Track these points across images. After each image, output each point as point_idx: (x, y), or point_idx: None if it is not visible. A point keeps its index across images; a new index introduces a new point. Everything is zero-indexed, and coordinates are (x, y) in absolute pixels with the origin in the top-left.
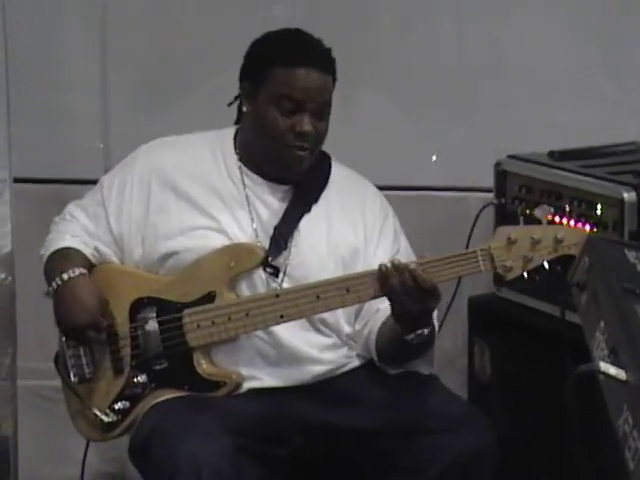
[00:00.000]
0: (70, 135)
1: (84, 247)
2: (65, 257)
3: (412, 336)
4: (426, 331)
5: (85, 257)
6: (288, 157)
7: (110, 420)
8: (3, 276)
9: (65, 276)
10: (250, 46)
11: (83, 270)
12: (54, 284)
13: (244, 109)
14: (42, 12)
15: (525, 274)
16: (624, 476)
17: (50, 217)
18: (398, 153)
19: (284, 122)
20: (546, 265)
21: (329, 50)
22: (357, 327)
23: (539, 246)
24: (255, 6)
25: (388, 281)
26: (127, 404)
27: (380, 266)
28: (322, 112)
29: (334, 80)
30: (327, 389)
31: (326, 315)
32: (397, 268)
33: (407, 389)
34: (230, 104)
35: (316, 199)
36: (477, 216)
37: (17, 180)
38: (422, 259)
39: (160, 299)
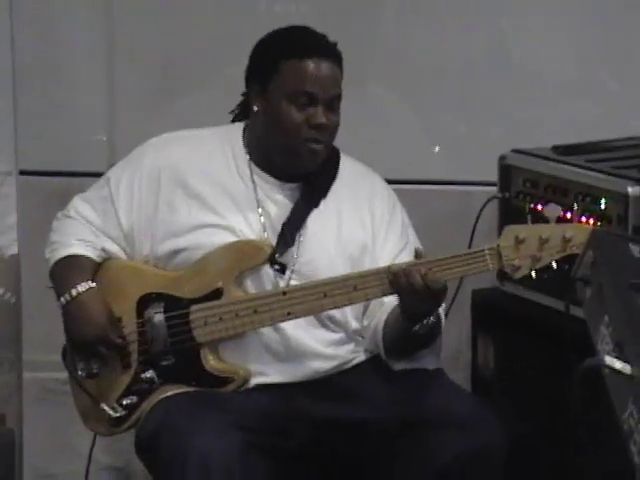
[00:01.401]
0: (75, 128)
1: (91, 251)
2: (73, 267)
3: (418, 326)
4: (432, 319)
5: (93, 263)
6: (304, 151)
7: (118, 415)
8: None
9: (74, 292)
10: (256, 45)
11: (92, 284)
12: (63, 300)
13: (255, 108)
14: (48, 7)
15: (533, 273)
16: (629, 470)
17: (55, 209)
18: (402, 147)
19: (298, 116)
20: (554, 264)
21: (335, 43)
22: (365, 323)
23: (547, 245)
24: (259, 3)
25: (398, 284)
26: (135, 399)
27: (390, 268)
28: (334, 105)
29: (342, 71)
30: (334, 384)
31: (334, 312)
32: (408, 273)
33: (414, 384)
34: (233, 112)
35: (325, 194)
36: (481, 210)
37: (22, 172)
38: (420, 257)
39: (167, 295)
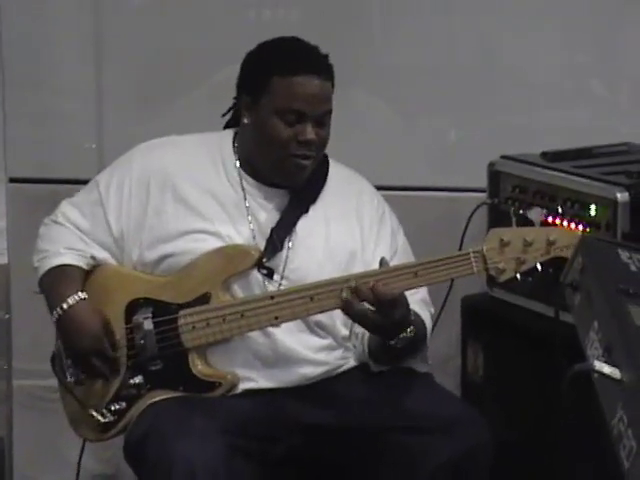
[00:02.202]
0: (64, 135)
1: (80, 259)
2: (62, 278)
3: (395, 341)
4: (410, 333)
5: (82, 272)
6: (291, 166)
7: (106, 420)
8: None
9: (65, 305)
10: (246, 57)
11: (82, 294)
12: (55, 313)
13: (245, 120)
14: (36, 14)
15: (518, 276)
16: (619, 475)
17: (44, 216)
18: (391, 153)
19: (287, 132)
20: (539, 267)
21: (327, 56)
22: (355, 329)
23: (531, 248)
24: (249, 9)
25: (352, 308)
26: (123, 405)
27: (340, 296)
28: (324, 119)
29: (333, 84)
30: (322, 390)
31: (322, 317)
32: (356, 290)
33: (403, 389)
34: (224, 115)
35: (314, 200)
36: (470, 216)
37: (12, 180)
38: (383, 266)
39: (155, 300)
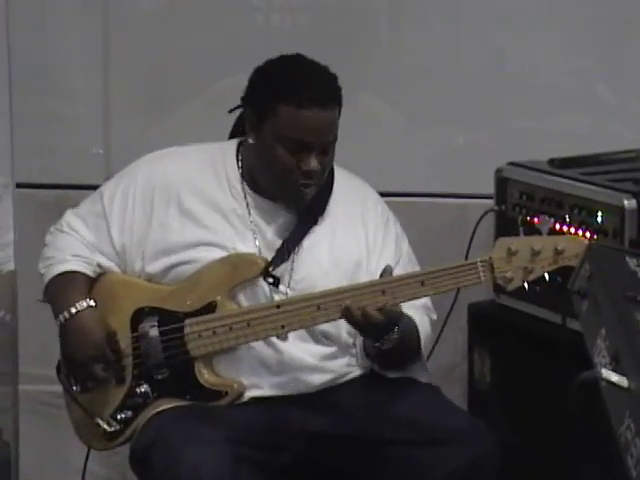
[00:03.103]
0: (71, 141)
1: (86, 267)
2: (69, 284)
3: (379, 343)
4: (394, 335)
5: (89, 279)
6: (293, 192)
7: (112, 429)
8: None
9: (73, 310)
10: (253, 74)
11: (91, 302)
12: (61, 317)
13: (249, 140)
14: (44, 20)
15: (526, 285)
16: None
17: (51, 222)
18: (398, 159)
19: (290, 160)
20: (546, 276)
21: (335, 80)
22: (360, 337)
23: (539, 257)
24: (257, 14)
25: (354, 321)
26: (129, 413)
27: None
28: (328, 147)
29: (340, 109)
30: (328, 398)
31: (328, 327)
32: (366, 314)
33: (408, 400)
34: (231, 111)
35: (322, 212)
36: (477, 223)
37: (19, 185)
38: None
39: (161, 309)
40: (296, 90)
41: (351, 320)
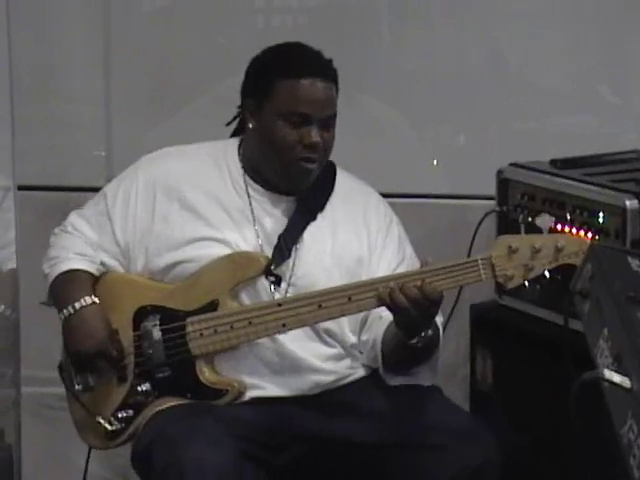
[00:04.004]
0: (73, 143)
1: (90, 265)
2: (73, 281)
3: (416, 339)
4: (430, 332)
5: (92, 277)
6: (297, 170)
7: (114, 428)
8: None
9: (77, 305)
10: (251, 62)
11: (95, 299)
12: (65, 312)
13: (249, 125)
14: (45, 22)
15: (526, 283)
16: None
17: (53, 224)
18: (400, 160)
19: (292, 135)
20: (547, 274)
21: (330, 60)
22: (363, 337)
23: (539, 255)
24: (257, 15)
25: (395, 299)
26: (131, 412)
27: (386, 286)
28: (329, 123)
29: (337, 89)
30: (329, 400)
31: (331, 325)
32: (404, 289)
33: (410, 402)
34: (229, 123)
35: (321, 207)
36: (479, 224)
37: (20, 188)
38: (425, 266)
39: (163, 307)
40: (293, 63)
41: (394, 301)
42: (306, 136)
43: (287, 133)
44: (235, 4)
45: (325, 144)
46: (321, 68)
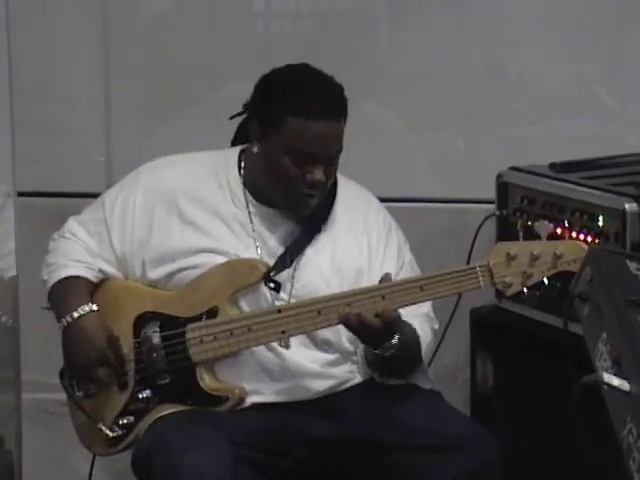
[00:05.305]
0: (72, 148)
1: (89, 272)
2: (72, 289)
3: (379, 350)
4: (394, 341)
5: (91, 284)
6: (298, 202)
7: (115, 435)
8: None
9: (75, 314)
10: (260, 83)
11: (93, 306)
12: (64, 321)
13: (254, 149)
14: (45, 26)
15: (525, 290)
16: None
17: (52, 230)
18: (399, 165)
19: (295, 171)
20: (545, 281)
21: (342, 90)
22: (361, 345)
23: (538, 262)
24: (258, 21)
25: (350, 324)
26: (131, 419)
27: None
28: (334, 158)
29: (345, 119)
30: (330, 404)
31: (328, 334)
32: (362, 319)
33: (410, 406)
34: (232, 117)
35: (325, 220)
36: (479, 228)
37: (20, 194)
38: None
39: (163, 314)
40: (304, 102)
41: (349, 326)
42: (310, 174)
43: (291, 169)
44: (235, 9)
45: (328, 178)
46: (332, 107)
